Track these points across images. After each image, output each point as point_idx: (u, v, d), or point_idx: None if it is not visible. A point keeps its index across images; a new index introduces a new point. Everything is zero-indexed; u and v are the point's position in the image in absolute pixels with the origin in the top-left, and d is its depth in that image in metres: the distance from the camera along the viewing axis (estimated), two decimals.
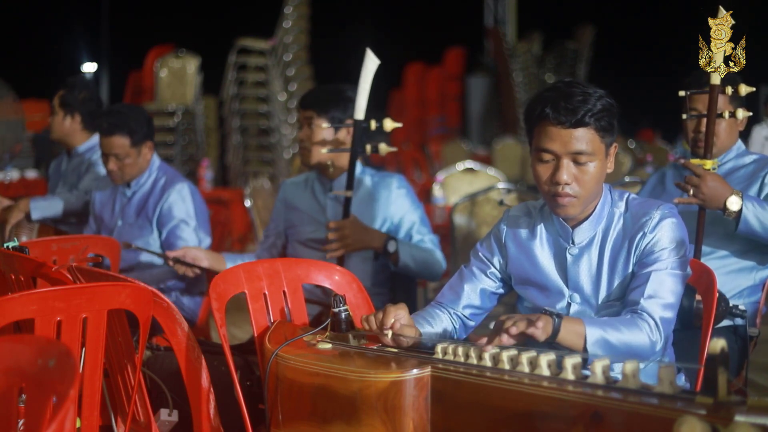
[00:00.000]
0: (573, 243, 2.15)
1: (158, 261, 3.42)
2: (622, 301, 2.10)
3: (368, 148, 2.93)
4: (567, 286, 2.15)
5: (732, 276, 2.76)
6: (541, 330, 1.80)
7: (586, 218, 2.13)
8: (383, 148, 2.92)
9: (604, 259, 2.12)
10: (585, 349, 1.89)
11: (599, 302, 2.12)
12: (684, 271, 2.08)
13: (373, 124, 2.91)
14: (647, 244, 2.07)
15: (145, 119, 3.46)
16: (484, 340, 1.81)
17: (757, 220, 2.57)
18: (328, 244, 2.91)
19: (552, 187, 2.06)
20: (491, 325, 1.86)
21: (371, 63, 2.82)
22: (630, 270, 2.09)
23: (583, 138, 2.02)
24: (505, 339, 1.79)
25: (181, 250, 3.06)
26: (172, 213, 3.46)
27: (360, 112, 2.85)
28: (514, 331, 1.78)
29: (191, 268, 3.04)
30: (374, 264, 3.06)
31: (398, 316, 2.01)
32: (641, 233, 2.07)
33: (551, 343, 1.87)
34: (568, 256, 2.15)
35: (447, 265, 3.12)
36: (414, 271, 3.01)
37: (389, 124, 2.92)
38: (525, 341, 1.82)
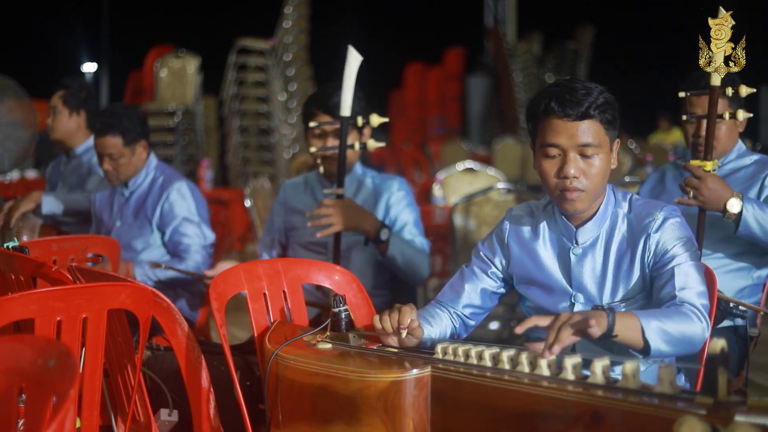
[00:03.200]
0: (576, 243, 2.14)
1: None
2: (628, 302, 2.10)
3: (356, 145, 2.93)
4: (570, 286, 2.15)
5: (732, 276, 2.76)
6: (595, 327, 1.73)
7: (590, 218, 2.13)
8: (371, 144, 2.92)
9: (609, 259, 2.12)
10: (645, 341, 1.83)
11: (603, 303, 2.12)
12: (699, 262, 2.08)
13: (360, 121, 2.91)
14: (655, 244, 2.07)
15: (138, 119, 3.45)
16: (540, 346, 1.73)
17: (756, 222, 2.56)
18: (318, 220, 2.84)
19: (560, 182, 2.06)
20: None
21: (354, 60, 2.82)
22: (635, 272, 2.09)
23: (588, 130, 2.02)
24: (565, 338, 1.71)
25: (216, 269, 3.05)
26: (173, 212, 3.44)
27: (346, 109, 2.84)
28: (565, 335, 1.70)
29: None
30: (375, 265, 3.05)
31: (413, 315, 2.02)
32: (646, 234, 2.08)
33: (610, 343, 1.82)
34: (572, 256, 2.15)
35: (442, 267, 3.10)
36: (399, 267, 2.98)
37: (376, 120, 2.91)
38: (580, 340, 1.77)
